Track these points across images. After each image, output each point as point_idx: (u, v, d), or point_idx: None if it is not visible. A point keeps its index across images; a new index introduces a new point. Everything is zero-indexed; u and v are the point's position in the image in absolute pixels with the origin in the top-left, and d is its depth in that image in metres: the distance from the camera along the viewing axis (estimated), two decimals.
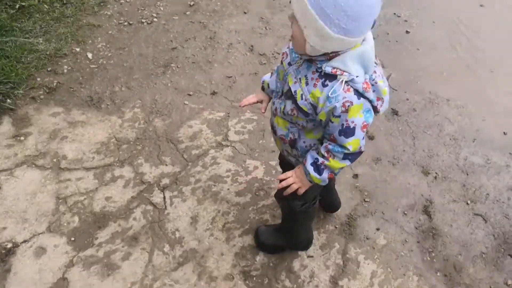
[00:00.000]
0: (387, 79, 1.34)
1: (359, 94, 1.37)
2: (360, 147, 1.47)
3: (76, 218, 2.20)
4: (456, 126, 2.86)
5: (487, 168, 2.63)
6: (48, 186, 2.33)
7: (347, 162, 1.51)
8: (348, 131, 1.41)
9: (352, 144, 1.44)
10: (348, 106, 1.36)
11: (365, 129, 1.43)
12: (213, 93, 2.93)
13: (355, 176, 2.51)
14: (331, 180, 2.05)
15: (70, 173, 2.40)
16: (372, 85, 1.40)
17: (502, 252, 2.25)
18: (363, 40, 1.37)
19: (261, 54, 3.27)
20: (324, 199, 2.21)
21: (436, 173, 2.57)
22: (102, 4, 3.53)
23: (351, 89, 1.36)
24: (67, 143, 2.54)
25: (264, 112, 1.80)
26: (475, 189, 2.51)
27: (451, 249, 2.23)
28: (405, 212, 2.37)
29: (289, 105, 1.50)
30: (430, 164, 2.61)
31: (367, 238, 2.24)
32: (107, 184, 2.36)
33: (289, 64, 1.52)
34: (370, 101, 1.41)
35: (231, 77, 3.07)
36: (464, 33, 3.61)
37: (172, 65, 3.11)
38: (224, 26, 3.49)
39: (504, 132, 2.84)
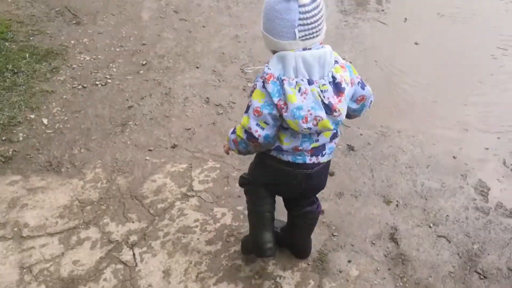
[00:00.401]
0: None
1: (263, 84, 1.61)
2: (249, 127, 1.68)
3: (43, 286, 2.12)
4: (410, 155, 3.01)
5: (443, 191, 2.75)
6: (10, 257, 2.24)
7: (233, 135, 1.84)
8: (247, 108, 1.70)
9: (243, 119, 1.71)
10: (254, 88, 1.67)
11: (256, 114, 1.65)
12: (174, 146, 2.97)
13: (321, 212, 2.57)
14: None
15: (33, 240, 2.33)
16: (282, 85, 1.58)
17: (468, 269, 2.33)
18: (303, 49, 1.59)
19: (217, 105, 3.36)
20: (296, 245, 2.30)
21: (397, 201, 2.67)
22: (54, 70, 3.56)
23: (262, 78, 1.63)
24: (28, 211, 2.48)
25: None
26: (435, 212, 2.62)
27: (421, 272, 2.29)
28: (373, 242, 2.43)
29: None
30: (390, 193, 2.72)
31: (340, 271, 2.27)
32: (74, 248, 2.30)
33: None
34: (269, 94, 1.60)
35: (190, 129, 3.12)
36: (404, 70, 3.86)
37: (130, 123, 3.14)
38: (178, 81, 3.58)
39: (453, 156, 3.00)
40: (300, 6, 1.52)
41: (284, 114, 1.60)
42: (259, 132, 1.68)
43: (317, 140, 1.79)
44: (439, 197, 2.71)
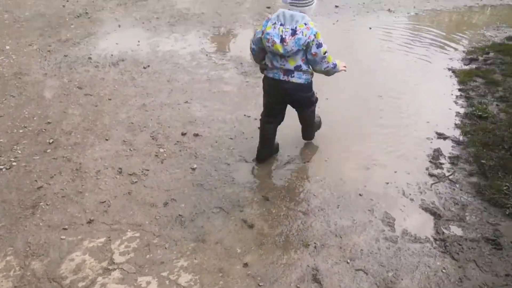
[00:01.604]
0: None
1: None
2: (251, 44, 3.21)
3: None
4: (321, 198, 3.20)
5: (355, 227, 2.95)
6: None
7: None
8: None
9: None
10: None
11: (253, 36, 3.15)
12: (90, 221, 2.91)
13: (245, 265, 2.63)
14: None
15: None
16: (267, 22, 3.01)
17: None
18: (288, 10, 2.98)
19: (130, 174, 3.36)
20: (302, 128, 3.66)
21: (314, 243, 2.81)
22: None
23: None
24: None
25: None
26: (350, 248, 2.79)
27: None
28: (298, 286, 2.52)
29: None
30: (307, 236, 2.86)
31: None
32: None
33: None
34: (262, 26, 3.05)
35: (104, 201, 3.09)
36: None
37: (41, 203, 3.04)
38: (89, 155, 3.55)
39: (360, 194, 3.24)
40: None
41: (262, 36, 3.00)
42: (252, 46, 3.18)
43: (283, 64, 3.06)
44: (352, 233, 2.90)
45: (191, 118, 4.08)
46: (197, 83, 4.66)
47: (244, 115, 4.15)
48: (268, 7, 6.73)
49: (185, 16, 6.36)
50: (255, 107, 4.29)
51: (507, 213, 3.04)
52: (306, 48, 2.98)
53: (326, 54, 3.03)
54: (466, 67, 5.09)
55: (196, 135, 3.84)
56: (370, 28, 6.05)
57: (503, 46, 5.58)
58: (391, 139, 3.86)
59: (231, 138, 3.82)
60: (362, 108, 4.29)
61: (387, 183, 3.36)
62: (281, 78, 3.10)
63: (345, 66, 3.34)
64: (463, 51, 5.52)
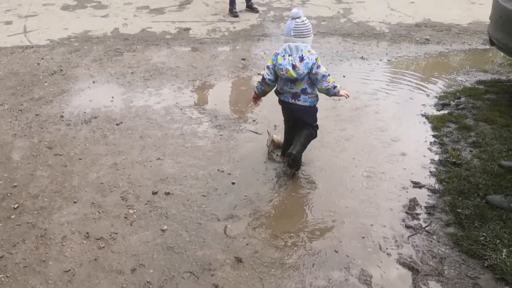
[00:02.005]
0: None
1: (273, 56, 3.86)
2: (264, 74, 3.89)
3: None
4: (295, 256, 3.10)
5: (331, 287, 2.84)
6: None
7: (256, 84, 4.06)
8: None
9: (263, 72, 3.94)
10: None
11: (267, 69, 3.86)
12: None
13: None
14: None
15: None
16: (277, 56, 3.81)
17: None
18: (292, 42, 3.75)
19: (98, 239, 3.24)
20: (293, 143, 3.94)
21: None
22: None
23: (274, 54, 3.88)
24: None
25: None
26: None
27: None
28: None
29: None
30: None
31: None
32: None
33: None
34: (272, 60, 3.84)
35: (69, 270, 2.95)
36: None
37: (1, 276, 2.88)
38: (55, 220, 3.43)
39: (335, 250, 3.15)
40: (296, 22, 3.72)
41: (275, 67, 3.77)
42: (266, 76, 3.85)
43: (292, 87, 3.82)
44: None
45: (163, 176, 3.99)
46: (170, 139, 4.60)
47: (218, 170, 4.08)
48: (243, 59, 6.81)
49: (160, 70, 6.38)
50: (229, 161, 4.23)
51: (485, 265, 2.97)
52: (310, 71, 3.71)
53: (327, 74, 3.75)
54: (439, 113, 5.14)
55: (167, 193, 3.74)
56: (344, 77, 6.12)
57: (473, 91, 5.67)
58: (366, 189, 3.81)
59: (203, 196, 3.73)
60: (336, 157, 4.26)
61: (363, 237, 3.28)
62: (290, 101, 3.87)
63: (347, 94, 3.93)
64: (435, 97, 5.59)
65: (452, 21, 8.59)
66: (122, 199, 3.68)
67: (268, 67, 3.85)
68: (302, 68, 3.66)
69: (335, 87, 3.79)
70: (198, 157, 4.29)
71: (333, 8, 9.44)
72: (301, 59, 3.67)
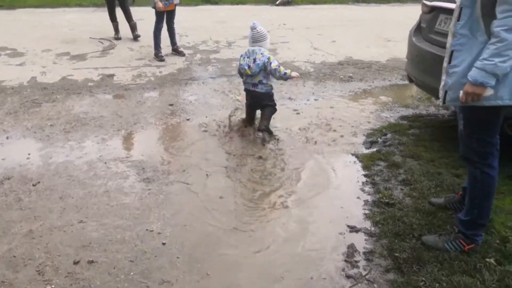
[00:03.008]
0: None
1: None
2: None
3: None
4: None
5: None
6: None
7: None
8: None
9: None
10: None
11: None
12: None
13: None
14: None
15: None
16: (240, 58, 5.61)
17: None
18: (251, 47, 5.49)
19: None
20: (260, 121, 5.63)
21: None
22: None
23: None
24: None
25: None
26: None
27: None
28: None
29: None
30: None
31: None
32: None
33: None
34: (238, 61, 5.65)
35: None
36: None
37: None
38: None
39: (311, 277, 2.97)
40: (253, 31, 5.40)
41: (239, 67, 5.58)
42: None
43: (251, 80, 5.45)
44: None
45: (86, 241, 3.64)
46: (93, 197, 4.26)
47: (146, 229, 3.80)
48: (171, 104, 6.62)
49: (82, 121, 6.03)
50: (159, 218, 3.96)
51: None
52: (265, 68, 5.30)
53: (277, 67, 5.27)
54: (368, 151, 5.21)
55: (90, 262, 3.40)
56: (273, 118, 6.09)
57: (398, 126, 5.84)
58: (303, 237, 3.69)
59: (131, 261, 3.43)
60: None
61: None
62: (250, 88, 5.54)
63: (297, 75, 5.51)
64: (363, 134, 5.69)
65: (372, 58, 8.99)
66: (39, 274, 3.29)
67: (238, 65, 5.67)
68: (254, 68, 5.31)
69: (285, 73, 5.29)
70: (125, 216, 3.98)
71: None
72: (254, 60, 5.31)
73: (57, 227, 3.83)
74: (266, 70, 5.30)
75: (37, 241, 3.66)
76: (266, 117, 5.44)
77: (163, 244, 3.63)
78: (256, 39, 5.38)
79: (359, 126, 5.94)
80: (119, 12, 10.16)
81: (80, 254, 3.50)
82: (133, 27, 10.26)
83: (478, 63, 2.92)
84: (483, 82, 2.90)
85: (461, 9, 3.08)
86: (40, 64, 8.48)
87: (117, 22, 10.37)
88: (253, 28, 5.35)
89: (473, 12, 3.02)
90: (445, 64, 3.23)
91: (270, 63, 5.24)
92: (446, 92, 3.23)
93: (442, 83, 3.26)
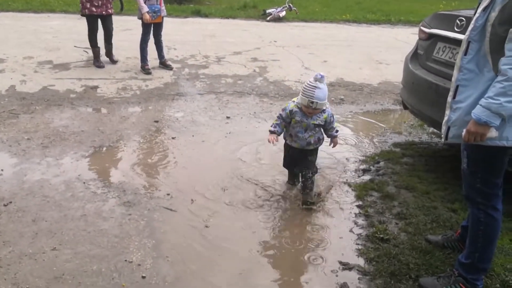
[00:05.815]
0: None
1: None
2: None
3: None
4: None
5: None
6: None
7: None
8: None
9: None
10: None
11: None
12: None
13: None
14: None
15: None
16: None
17: None
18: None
19: None
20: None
21: None
22: None
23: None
24: None
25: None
26: None
27: None
28: None
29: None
30: None
31: None
32: None
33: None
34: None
35: None
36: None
37: None
38: None
39: None
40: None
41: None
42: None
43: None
44: None
45: (58, 272, 3.35)
46: (69, 221, 3.97)
47: (125, 260, 3.52)
48: (156, 121, 6.37)
49: (61, 135, 5.73)
50: (139, 247, 3.69)
51: None
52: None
53: None
54: (361, 180, 5.02)
55: None
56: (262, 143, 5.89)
57: (391, 154, 5.68)
58: (295, 275, 3.46)
59: None
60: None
61: None
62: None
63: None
64: (355, 161, 5.51)
65: (364, 80, 8.88)
66: None
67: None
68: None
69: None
70: (102, 244, 3.70)
71: (249, 66, 9.40)
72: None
73: (27, 254, 3.53)
74: None
75: (4, 270, 3.35)
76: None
77: (143, 277, 3.36)
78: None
79: (351, 152, 5.76)
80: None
81: (51, 287, 3.20)
82: (109, 51, 8.96)
83: (483, 101, 2.76)
84: (487, 121, 2.73)
85: (468, 43, 2.92)
86: (20, 72, 8.16)
87: (99, 47, 8.70)
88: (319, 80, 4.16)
89: (481, 47, 2.87)
90: (449, 98, 3.06)
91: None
92: (449, 128, 3.06)
93: (446, 118, 3.09)
